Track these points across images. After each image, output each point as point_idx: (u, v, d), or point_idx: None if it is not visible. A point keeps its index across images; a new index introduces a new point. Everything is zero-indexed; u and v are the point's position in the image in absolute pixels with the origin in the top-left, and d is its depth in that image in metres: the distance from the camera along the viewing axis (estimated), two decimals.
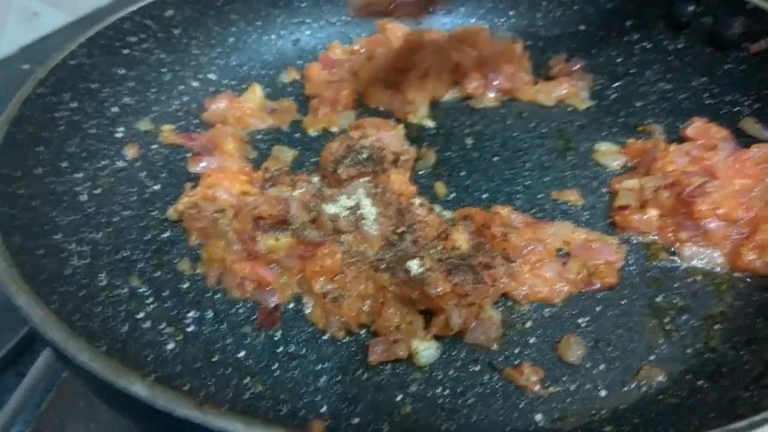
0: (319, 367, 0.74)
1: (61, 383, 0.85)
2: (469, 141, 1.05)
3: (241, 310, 0.80)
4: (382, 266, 0.80)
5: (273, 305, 0.80)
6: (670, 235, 0.86)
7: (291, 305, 0.81)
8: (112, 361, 0.52)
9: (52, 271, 0.75)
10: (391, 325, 0.76)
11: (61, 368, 0.86)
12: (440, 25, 1.27)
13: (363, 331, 0.78)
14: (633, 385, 0.72)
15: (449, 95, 1.14)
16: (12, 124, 0.81)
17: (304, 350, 0.76)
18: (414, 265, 0.76)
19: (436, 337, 0.76)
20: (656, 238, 0.87)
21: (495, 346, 0.75)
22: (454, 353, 0.75)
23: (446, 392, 0.72)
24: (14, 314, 0.94)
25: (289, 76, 1.18)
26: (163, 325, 0.78)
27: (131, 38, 1.04)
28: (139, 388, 0.49)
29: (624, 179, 0.94)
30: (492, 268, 0.78)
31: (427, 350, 0.75)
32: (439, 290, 0.73)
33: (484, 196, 0.95)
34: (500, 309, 0.79)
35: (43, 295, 0.66)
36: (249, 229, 0.83)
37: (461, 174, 0.99)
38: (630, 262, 0.85)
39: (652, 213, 0.88)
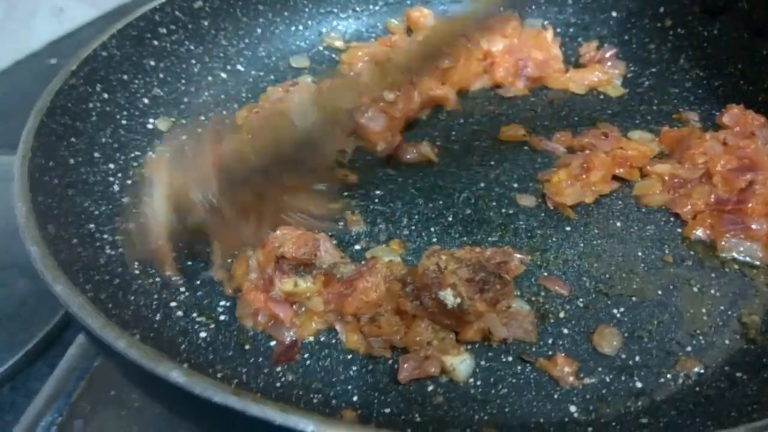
0: (350, 356, 0.74)
1: (93, 372, 0.86)
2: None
3: None
4: (408, 295, 0.74)
5: (289, 341, 0.75)
6: (708, 225, 0.85)
7: None
8: (148, 348, 0.52)
9: (86, 260, 0.76)
10: (422, 341, 0.72)
11: (92, 357, 0.87)
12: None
13: None
14: (670, 377, 0.70)
15: (478, 84, 1.13)
16: (46, 115, 0.81)
17: (334, 340, 0.76)
18: (449, 297, 0.70)
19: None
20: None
21: (534, 339, 0.74)
22: (485, 344, 0.75)
23: (478, 383, 0.71)
24: (45, 304, 0.98)
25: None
26: (196, 314, 0.79)
27: (161, 30, 1.04)
28: (177, 375, 0.49)
29: (656, 163, 0.92)
30: (508, 264, 0.77)
31: (462, 363, 0.72)
32: (478, 314, 0.71)
33: (515, 185, 0.94)
34: (530, 299, 0.79)
35: (79, 283, 0.66)
36: (270, 267, 0.77)
37: (491, 164, 0.98)
38: (666, 251, 0.83)
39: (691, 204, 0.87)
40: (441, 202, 0.91)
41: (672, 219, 0.87)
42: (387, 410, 0.69)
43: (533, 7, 1.22)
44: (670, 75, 1.10)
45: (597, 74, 1.11)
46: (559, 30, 1.21)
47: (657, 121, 1.02)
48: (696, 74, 1.10)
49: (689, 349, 0.73)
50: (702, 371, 0.71)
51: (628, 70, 1.13)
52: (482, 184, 0.94)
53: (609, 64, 1.13)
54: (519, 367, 0.72)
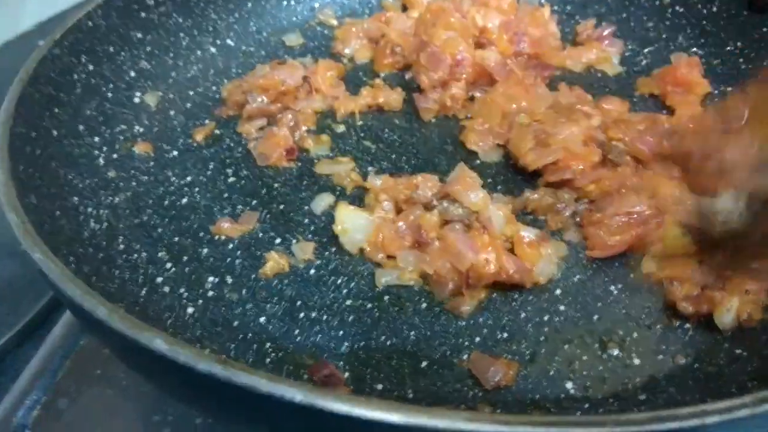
0: (341, 333, 0.72)
1: (78, 351, 0.84)
2: None
3: (262, 278, 0.78)
4: None
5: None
6: None
7: (312, 270, 0.79)
8: (131, 316, 0.50)
9: (69, 233, 0.74)
10: None
11: (78, 336, 0.85)
12: None
13: (387, 297, 0.76)
14: (668, 354, 0.69)
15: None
16: (28, 83, 0.79)
17: (325, 317, 0.74)
18: None
19: None
20: None
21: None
22: (480, 320, 0.73)
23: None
24: (32, 287, 0.96)
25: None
26: (183, 289, 0.77)
27: (149, 1, 1.01)
28: (160, 342, 0.47)
29: None
30: None
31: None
32: None
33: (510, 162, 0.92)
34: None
35: (61, 255, 0.64)
36: None
37: None
38: None
39: None
40: None
41: None
42: (379, 386, 0.67)
43: None
44: (669, 53, 1.08)
45: (594, 52, 1.09)
46: (556, 7, 1.18)
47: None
48: (694, 53, 1.08)
49: (687, 325, 0.71)
50: (700, 348, 0.69)
51: (626, 49, 1.11)
52: None
53: (606, 42, 1.11)
54: (514, 346, 0.71)
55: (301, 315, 0.74)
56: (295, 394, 0.44)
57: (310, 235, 0.83)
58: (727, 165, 0.60)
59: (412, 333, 0.72)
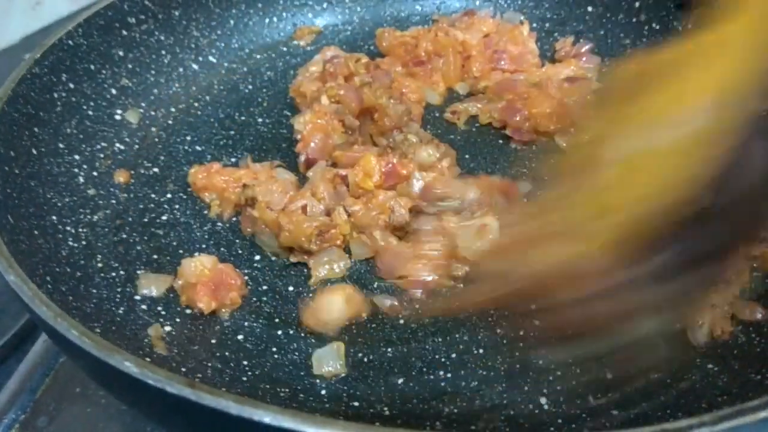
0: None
1: (58, 368, 0.84)
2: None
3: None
4: None
5: None
6: None
7: (290, 287, 0.79)
8: (101, 339, 0.51)
9: (47, 252, 0.74)
10: None
11: (58, 353, 0.85)
12: (446, 8, 1.26)
13: (364, 315, 0.76)
14: (641, 369, 0.70)
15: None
16: (7, 103, 0.79)
17: (303, 333, 0.75)
18: None
19: None
20: None
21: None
22: (457, 336, 0.74)
23: (449, 375, 0.70)
24: (15, 303, 0.95)
25: None
26: (160, 308, 0.77)
27: (130, 19, 1.02)
28: (129, 365, 0.47)
29: None
30: None
31: None
32: None
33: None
34: None
35: (37, 275, 0.65)
36: None
37: (465, 157, 0.97)
38: None
39: None
40: None
41: None
42: (355, 403, 0.68)
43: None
44: None
45: (572, 69, 1.10)
46: (535, 25, 1.20)
47: None
48: None
49: (660, 340, 0.72)
50: (673, 363, 0.70)
51: (603, 65, 1.12)
52: None
53: (584, 59, 1.13)
54: (489, 361, 0.71)
55: (279, 332, 0.75)
56: (263, 416, 0.44)
57: None
58: None
59: (389, 350, 0.73)
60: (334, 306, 0.74)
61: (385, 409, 0.67)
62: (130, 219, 0.87)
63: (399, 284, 0.79)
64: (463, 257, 0.78)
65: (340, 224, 0.81)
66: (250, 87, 1.11)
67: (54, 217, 0.80)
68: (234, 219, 0.88)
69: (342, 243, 0.82)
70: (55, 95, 0.90)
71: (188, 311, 0.77)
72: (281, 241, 0.81)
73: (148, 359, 0.54)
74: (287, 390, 0.69)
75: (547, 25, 1.22)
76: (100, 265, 0.79)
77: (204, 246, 0.85)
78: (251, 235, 0.85)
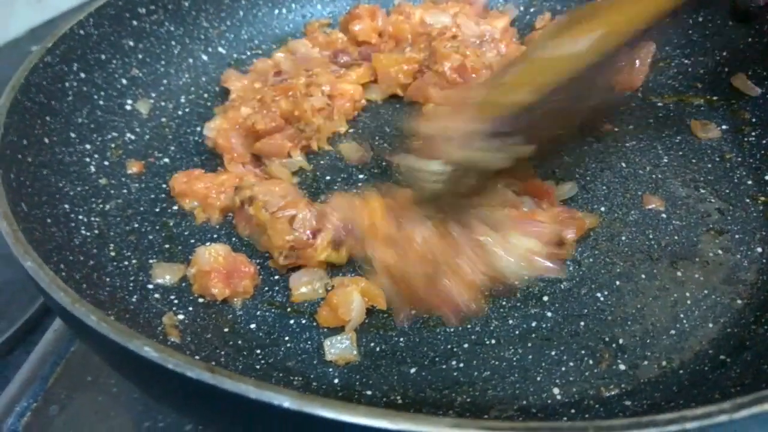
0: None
1: (69, 357, 0.85)
2: None
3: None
4: None
5: None
6: None
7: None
8: (120, 324, 0.51)
9: (60, 240, 0.74)
10: None
11: (69, 342, 0.86)
12: None
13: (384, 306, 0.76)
14: (653, 360, 0.70)
15: None
16: (20, 92, 0.79)
17: (315, 323, 0.75)
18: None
19: None
20: None
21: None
22: (468, 327, 0.74)
23: (461, 365, 0.70)
24: (24, 293, 0.96)
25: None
26: (173, 296, 0.77)
27: (140, 9, 1.02)
28: (149, 350, 0.48)
29: None
30: None
31: None
32: None
33: None
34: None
35: (52, 262, 0.64)
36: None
37: None
38: (646, 233, 0.83)
39: None
40: None
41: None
42: (368, 392, 0.68)
43: None
44: (655, 62, 1.10)
45: None
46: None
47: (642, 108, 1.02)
48: (680, 62, 1.09)
49: (673, 332, 0.72)
50: (685, 354, 0.70)
51: None
52: None
53: None
54: (502, 352, 0.71)
55: (291, 322, 0.75)
56: (283, 400, 0.44)
57: None
58: (441, 138, 0.74)
59: (401, 339, 0.73)
60: (353, 305, 0.74)
61: (399, 398, 0.67)
62: (141, 209, 0.88)
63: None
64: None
65: (319, 249, 0.78)
66: None
67: (66, 206, 0.80)
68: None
69: (318, 266, 0.79)
70: (67, 84, 0.90)
71: (201, 300, 0.77)
72: (261, 242, 0.80)
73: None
74: (300, 378, 0.69)
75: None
76: (113, 253, 0.80)
77: (216, 236, 0.85)
78: (247, 236, 0.84)
